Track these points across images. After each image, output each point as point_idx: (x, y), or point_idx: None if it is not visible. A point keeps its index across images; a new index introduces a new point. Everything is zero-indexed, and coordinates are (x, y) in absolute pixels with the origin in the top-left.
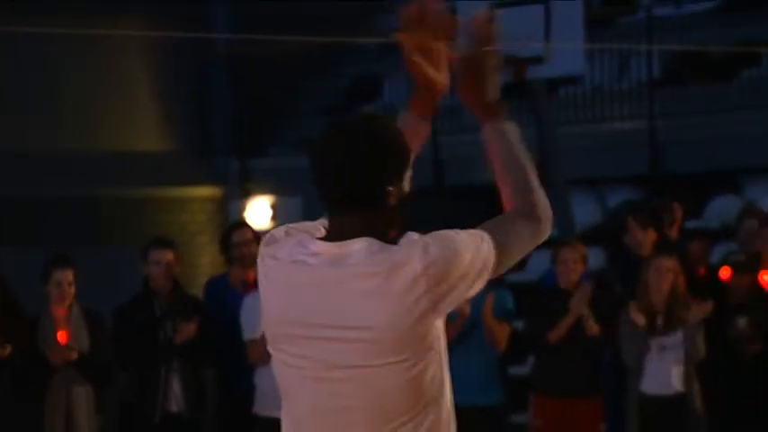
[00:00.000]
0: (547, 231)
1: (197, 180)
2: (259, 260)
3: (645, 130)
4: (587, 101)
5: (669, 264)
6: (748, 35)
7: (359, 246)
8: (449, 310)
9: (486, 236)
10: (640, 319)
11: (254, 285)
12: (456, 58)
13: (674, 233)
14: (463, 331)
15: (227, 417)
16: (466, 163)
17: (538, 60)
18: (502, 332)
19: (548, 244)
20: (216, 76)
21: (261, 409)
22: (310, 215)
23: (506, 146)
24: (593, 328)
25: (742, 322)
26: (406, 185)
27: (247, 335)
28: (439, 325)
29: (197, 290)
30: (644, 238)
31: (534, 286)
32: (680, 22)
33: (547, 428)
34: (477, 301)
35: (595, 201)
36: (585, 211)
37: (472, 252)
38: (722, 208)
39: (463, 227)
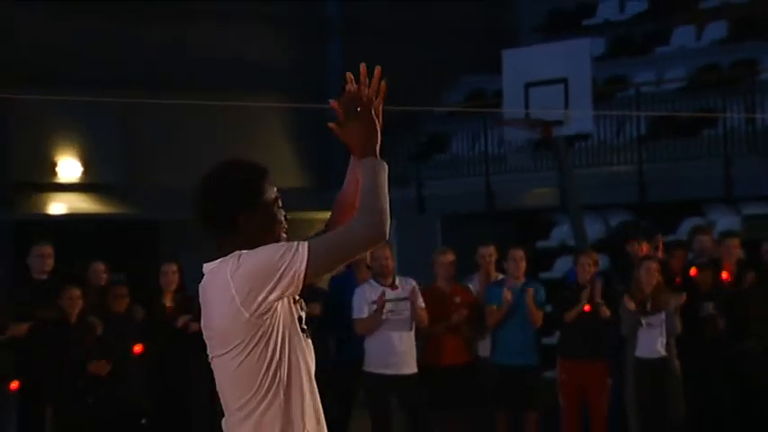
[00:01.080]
0: (369, 239)
1: (320, 206)
2: None
3: (636, 171)
4: (594, 151)
5: (654, 265)
6: (709, 105)
7: (212, 265)
8: (266, 308)
9: (302, 246)
10: (632, 305)
11: (363, 280)
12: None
13: (660, 253)
14: (509, 313)
15: (344, 372)
16: (511, 194)
17: (560, 123)
18: (538, 315)
19: (569, 251)
20: (331, 133)
21: (367, 366)
22: (401, 232)
23: (365, 176)
24: (605, 312)
25: (708, 306)
26: (266, 210)
27: (356, 314)
28: (270, 322)
29: (323, 284)
30: (638, 248)
31: (560, 282)
32: (659, 96)
33: (569, 382)
34: (519, 292)
35: (601, 221)
36: (594, 229)
37: (276, 259)
38: (690, 227)
39: (509, 244)
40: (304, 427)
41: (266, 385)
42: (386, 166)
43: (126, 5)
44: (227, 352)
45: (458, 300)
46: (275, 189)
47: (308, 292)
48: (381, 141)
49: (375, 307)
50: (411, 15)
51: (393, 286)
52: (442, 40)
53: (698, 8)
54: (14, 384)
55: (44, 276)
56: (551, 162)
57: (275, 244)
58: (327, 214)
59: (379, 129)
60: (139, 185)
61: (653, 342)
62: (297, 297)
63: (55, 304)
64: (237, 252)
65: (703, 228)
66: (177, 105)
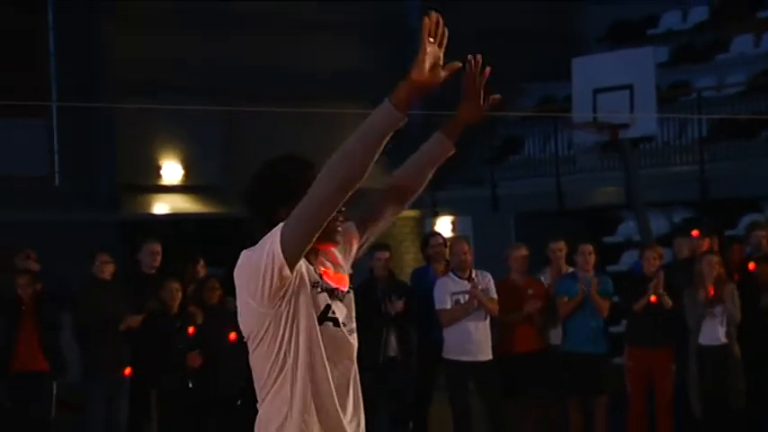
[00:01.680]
0: (331, 187)
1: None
2: None
3: (697, 170)
4: (658, 152)
5: (715, 259)
6: (766, 108)
7: (247, 252)
8: (270, 300)
9: (277, 230)
10: (698, 296)
11: (445, 272)
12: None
13: (717, 251)
14: (580, 304)
15: (425, 359)
16: (580, 193)
17: (626, 126)
18: (604, 305)
19: (635, 246)
20: (412, 136)
21: (447, 353)
22: (478, 229)
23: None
24: (668, 303)
25: (766, 298)
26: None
27: (438, 305)
28: (278, 313)
29: (404, 277)
30: (701, 243)
31: (626, 274)
32: (720, 100)
33: (635, 368)
34: (587, 284)
35: (665, 217)
36: (658, 225)
37: (263, 251)
38: (748, 222)
39: (579, 239)
40: (304, 417)
41: (274, 375)
42: (395, 115)
43: (225, 20)
44: (246, 340)
45: (530, 292)
46: None
47: (393, 288)
48: (459, 138)
49: (456, 299)
50: (485, 23)
51: (470, 279)
52: (514, 49)
53: (756, 17)
54: (128, 370)
55: (152, 271)
56: (618, 162)
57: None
58: (411, 213)
59: (423, 82)
60: (236, 187)
61: (715, 331)
62: (323, 289)
63: (158, 297)
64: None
65: (761, 223)
66: (272, 112)
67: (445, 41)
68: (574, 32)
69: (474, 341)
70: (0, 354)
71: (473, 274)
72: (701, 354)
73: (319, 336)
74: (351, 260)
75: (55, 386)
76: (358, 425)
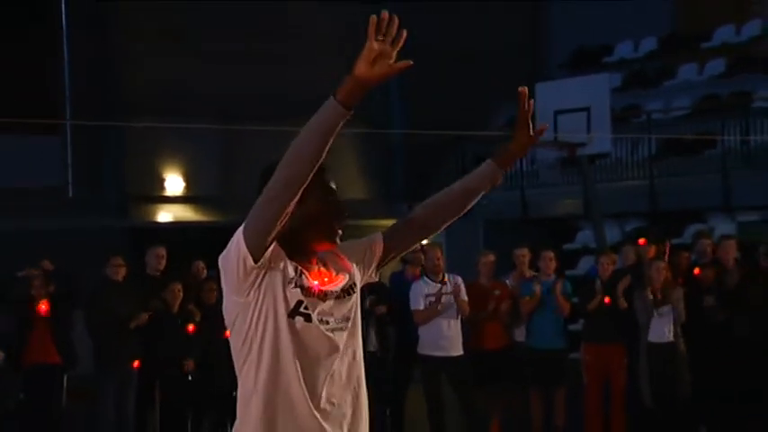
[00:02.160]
0: (279, 183)
1: (382, 215)
2: None
3: (647, 185)
4: (613, 168)
5: (662, 265)
6: (709, 129)
7: None
8: (238, 288)
9: (242, 227)
10: (649, 297)
11: (418, 276)
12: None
13: (666, 257)
14: (541, 304)
15: (402, 355)
16: (542, 204)
17: (583, 144)
18: (565, 305)
19: (591, 252)
20: (395, 156)
21: (422, 349)
22: (450, 236)
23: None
24: (622, 303)
25: (708, 299)
26: (313, 206)
27: (413, 306)
28: (243, 305)
29: (383, 279)
30: (648, 250)
31: (583, 278)
32: (668, 122)
33: (591, 362)
34: (549, 287)
35: (618, 227)
36: (612, 234)
37: (229, 246)
38: (693, 232)
39: (541, 246)
40: (265, 408)
41: (241, 361)
42: (339, 111)
43: (224, 47)
44: (229, 324)
45: (497, 293)
46: (329, 182)
47: (373, 289)
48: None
49: (429, 300)
50: (457, 45)
51: (443, 282)
52: (484, 71)
53: (700, 48)
54: (136, 363)
55: (158, 273)
56: (576, 177)
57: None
58: (389, 221)
59: (368, 78)
60: (233, 197)
61: (663, 329)
62: (304, 285)
63: (162, 297)
64: None
65: (705, 233)
66: (267, 131)
67: (400, 41)
68: (540, 58)
69: (446, 338)
70: (15, 349)
71: (445, 278)
72: (651, 350)
73: (287, 329)
74: (373, 264)
75: (66, 378)
76: (343, 415)
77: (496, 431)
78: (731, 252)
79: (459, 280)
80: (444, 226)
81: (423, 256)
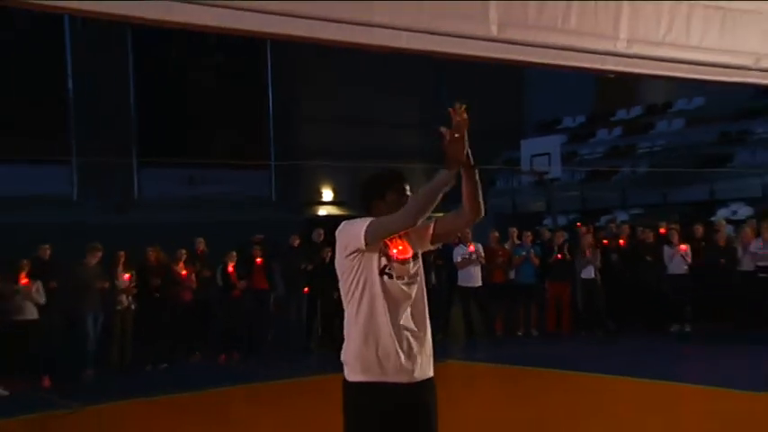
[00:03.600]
0: (402, 223)
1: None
2: None
3: (580, 194)
4: (562, 186)
5: (589, 238)
6: (613, 165)
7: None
8: (347, 256)
9: (366, 222)
10: (582, 255)
11: (456, 243)
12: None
13: (591, 233)
14: (523, 259)
15: (449, 286)
16: (525, 204)
17: (546, 172)
18: (536, 260)
19: (551, 231)
20: None
21: (459, 283)
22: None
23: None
24: (568, 258)
25: (613, 257)
26: (392, 201)
27: (455, 260)
28: (352, 265)
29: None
30: (583, 230)
31: (547, 244)
32: (591, 161)
33: (551, 290)
34: (527, 250)
35: (565, 217)
36: (561, 221)
37: (352, 230)
38: (607, 220)
39: (523, 228)
40: (366, 336)
41: (346, 301)
42: (447, 180)
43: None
44: (340, 275)
45: (500, 253)
46: (405, 188)
47: (435, 252)
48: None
49: (464, 256)
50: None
51: (470, 246)
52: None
53: (609, 121)
54: (306, 289)
55: (318, 242)
56: (543, 190)
57: (365, 219)
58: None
59: (460, 153)
60: (354, 201)
61: (589, 272)
62: (388, 254)
63: (320, 255)
64: (353, 220)
65: (612, 220)
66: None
67: (466, 126)
68: (521, 125)
69: (473, 276)
70: (247, 281)
71: (471, 244)
72: (582, 283)
73: (379, 282)
74: (424, 242)
75: (272, 297)
76: (420, 350)
77: (499, 325)
78: (626, 231)
79: (480, 246)
80: (470, 221)
81: (459, 233)
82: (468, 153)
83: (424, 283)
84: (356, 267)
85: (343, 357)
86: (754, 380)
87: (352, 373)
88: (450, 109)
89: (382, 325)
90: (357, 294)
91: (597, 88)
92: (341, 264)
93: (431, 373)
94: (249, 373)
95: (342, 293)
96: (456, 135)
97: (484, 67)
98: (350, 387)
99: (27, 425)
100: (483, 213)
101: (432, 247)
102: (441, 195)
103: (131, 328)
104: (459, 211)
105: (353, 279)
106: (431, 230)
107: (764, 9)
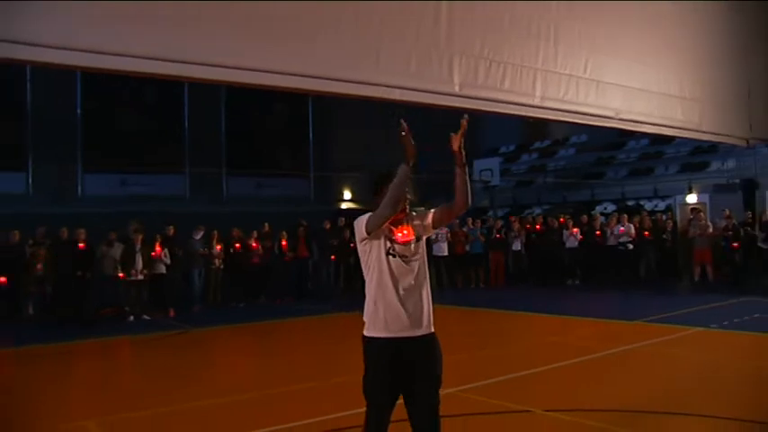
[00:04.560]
0: (384, 215)
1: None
2: None
3: (512, 195)
4: (500, 189)
5: (517, 223)
6: (534, 178)
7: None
8: (362, 240)
9: (366, 218)
10: (512, 234)
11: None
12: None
13: (519, 220)
14: (475, 237)
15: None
16: (477, 200)
17: (489, 181)
18: (482, 238)
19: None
20: None
21: (433, 253)
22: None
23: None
24: (502, 237)
25: (532, 237)
26: (384, 195)
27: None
28: (366, 248)
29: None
30: (513, 221)
31: (489, 229)
32: (518, 174)
33: (492, 258)
34: (478, 231)
35: (502, 211)
36: (499, 213)
37: (358, 225)
38: (526, 212)
39: (476, 217)
40: (376, 302)
41: (367, 278)
42: (407, 173)
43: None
44: (359, 255)
45: (460, 233)
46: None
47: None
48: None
49: (439, 235)
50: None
51: (442, 228)
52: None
53: (530, 148)
54: (333, 257)
55: (339, 226)
56: (487, 192)
57: (367, 214)
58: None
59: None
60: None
61: (517, 245)
62: (392, 238)
63: (342, 236)
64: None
65: (531, 213)
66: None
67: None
68: (475, 148)
69: (441, 248)
70: (293, 251)
71: (444, 228)
72: (514, 253)
73: (385, 261)
74: (427, 229)
75: (311, 262)
76: (420, 312)
77: (459, 281)
78: (540, 220)
79: (446, 228)
80: (461, 210)
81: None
82: (463, 155)
83: (425, 259)
84: (368, 251)
85: (364, 317)
86: (623, 314)
87: (366, 330)
88: (462, 120)
89: (388, 293)
90: (369, 270)
91: (522, 127)
92: (358, 249)
93: (432, 330)
94: (296, 310)
95: (362, 269)
96: (460, 135)
97: (454, 113)
98: (364, 340)
99: (160, 339)
100: (470, 204)
101: (433, 232)
102: (405, 187)
103: (221, 280)
104: (451, 202)
105: (366, 260)
106: (430, 219)
107: (623, 83)
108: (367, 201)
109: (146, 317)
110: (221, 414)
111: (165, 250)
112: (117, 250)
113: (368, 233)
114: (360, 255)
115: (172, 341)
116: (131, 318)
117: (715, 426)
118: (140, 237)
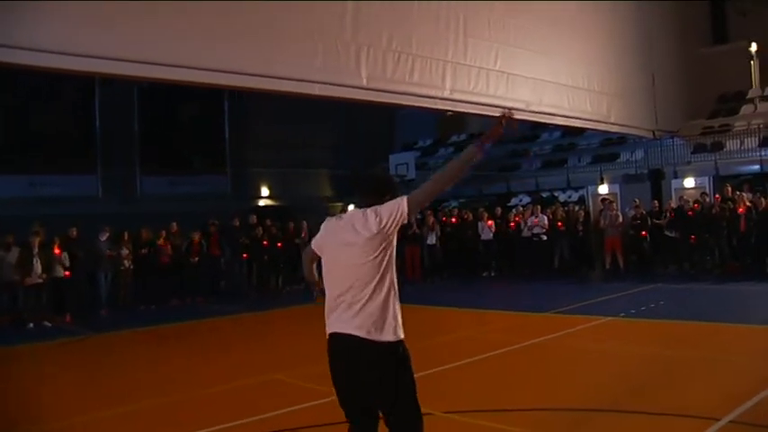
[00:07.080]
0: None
1: None
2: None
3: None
4: (415, 184)
5: (431, 217)
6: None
7: (361, 209)
8: (390, 232)
9: (405, 197)
10: (426, 229)
11: None
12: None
13: (432, 213)
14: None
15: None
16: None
17: (405, 175)
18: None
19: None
20: None
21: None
22: None
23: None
24: (418, 231)
25: (448, 229)
26: (397, 194)
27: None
28: (391, 240)
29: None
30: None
31: (405, 227)
32: (436, 168)
33: (407, 251)
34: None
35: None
36: (450, 204)
37: (393, 206)
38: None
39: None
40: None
41: (390, 276)
42: (474, 154)
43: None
44: (369, 255)
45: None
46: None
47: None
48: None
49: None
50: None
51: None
52: (367, 147)
53: (447, 143)
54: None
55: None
56: (406, 187)
57: (396, 199)
58: None
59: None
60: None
61: (432, 238)
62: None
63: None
64: (374, 207)
65: (447, 205)
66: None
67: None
68: (391, 144)
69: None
70: (201, 250)
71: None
72: (429, 247)
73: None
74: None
75: (222, 260)
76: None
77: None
78: (455, 212)
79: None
80: (439, 193)
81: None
82: (487, 140)
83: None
84: (392, 242)
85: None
86: (537, 306)
87: (401, 333)
88: (506, 111)
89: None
90: (392, 267)
91: (439, 121)
92: (379, 241)
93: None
94: (208, 310)
95: (368, 265)
96: (503, 123)
97: (371, 108)
98: (403, 345)
99: (59, 347)
100: (449, 185)
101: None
102: (467, 167)
103: (130, 282)
104: (435, 179)
105: (391, 252)
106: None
107: (530, 75)
108: (373, 195)
109: (46, 323)
110: (118, 426)
111: (65, 253)
112: (14, 254)
113: (409, 214)
114: (380, 249)
115: (71, 348)
116: (31, 325)
117: (620, 420)
118: (38, 240)
